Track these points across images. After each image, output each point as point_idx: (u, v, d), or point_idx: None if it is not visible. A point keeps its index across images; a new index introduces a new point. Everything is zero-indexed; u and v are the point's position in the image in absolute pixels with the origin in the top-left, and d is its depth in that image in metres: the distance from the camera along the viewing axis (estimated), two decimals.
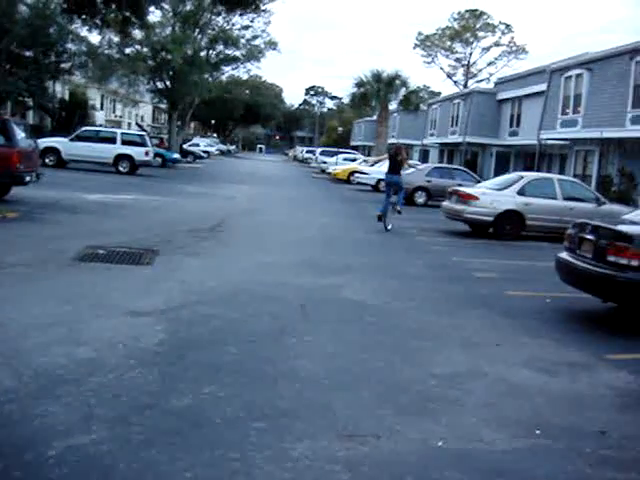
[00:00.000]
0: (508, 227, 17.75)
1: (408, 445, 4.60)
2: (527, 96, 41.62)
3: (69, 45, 40.38)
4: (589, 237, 8.78)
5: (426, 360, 6.60)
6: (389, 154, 18.87)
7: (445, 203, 19.43)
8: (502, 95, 45.89)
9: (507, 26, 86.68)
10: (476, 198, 17.82)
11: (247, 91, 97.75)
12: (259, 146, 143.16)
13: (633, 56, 28.02)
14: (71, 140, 32.12)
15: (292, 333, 7.10)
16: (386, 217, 17.68)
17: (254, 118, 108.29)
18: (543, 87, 36.96)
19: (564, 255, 9.43)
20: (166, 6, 46.00)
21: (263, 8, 46.26)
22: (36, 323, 6.61)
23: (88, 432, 4.34)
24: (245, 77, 79.18)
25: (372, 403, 5.32)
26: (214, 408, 4.92)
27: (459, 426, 5.00)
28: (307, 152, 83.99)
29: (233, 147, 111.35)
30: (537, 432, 4.99)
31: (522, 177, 18.92)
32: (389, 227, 17.63)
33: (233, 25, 50.68)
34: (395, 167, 18.01)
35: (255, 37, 51.97)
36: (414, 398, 5.52)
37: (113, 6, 19.19)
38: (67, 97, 47.93)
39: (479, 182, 24.93)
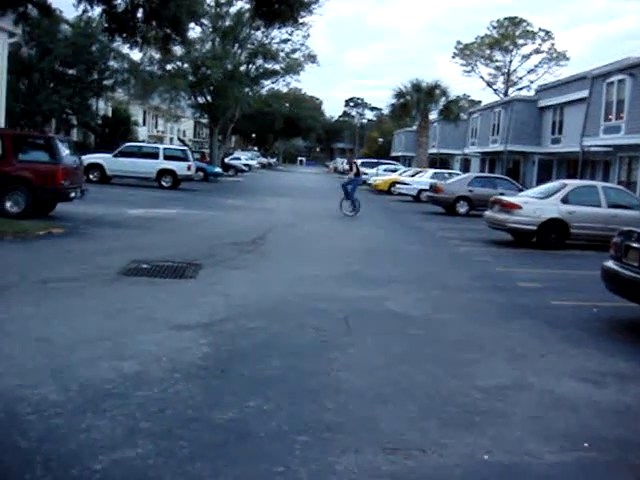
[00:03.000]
0: (552, 236, 17.53)
1: (453, 459, 4.54)
2: (569, 103, 41.16)
3: (111, 63, 41.16)
4: (635, 245, 8.63)
5: (471, 372, 6.52)
6: (350, 164, 26.03)
7: (487, 212, 19.26)
8: (543, 102, 45.45)
9: (547, 33, 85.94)
10: (519, 207, 17.64)
11: (287, 104, 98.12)
12: (299, 159, 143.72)
13: None
14: (114, 156, 32.54)
15: (335, 346, 7.09)
16: (341, 206, 24.23)
17: (294, 131, 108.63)
18: (585, 93, 36.54)
19: (610, 264, 9.26)
20: (206, 22, 46.54)
21: (301, 21, 46.31)
22: (82, 337, 6.70)
23: (134, 446, 4.37)
24: (285, 90, 79.54)
25: (417, 416, 5.28)
26: (258, 421, 4.92)
27: (505, 439, 4.93)
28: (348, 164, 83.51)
29: (274, 160, 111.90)
30: (585, 445, 4.90)
31: (565, 185, 18.69)
32: (347, 213, 23.75)
33: (272, 39, 50.95)
34: (356, 172, 24.80)
35: (294, 50, 52.18)
36: (459, 411, 5.47)
37: (154, 24, 19.39)
38: (110, 114, 48.56)
39: (521, 191, 24.68)
